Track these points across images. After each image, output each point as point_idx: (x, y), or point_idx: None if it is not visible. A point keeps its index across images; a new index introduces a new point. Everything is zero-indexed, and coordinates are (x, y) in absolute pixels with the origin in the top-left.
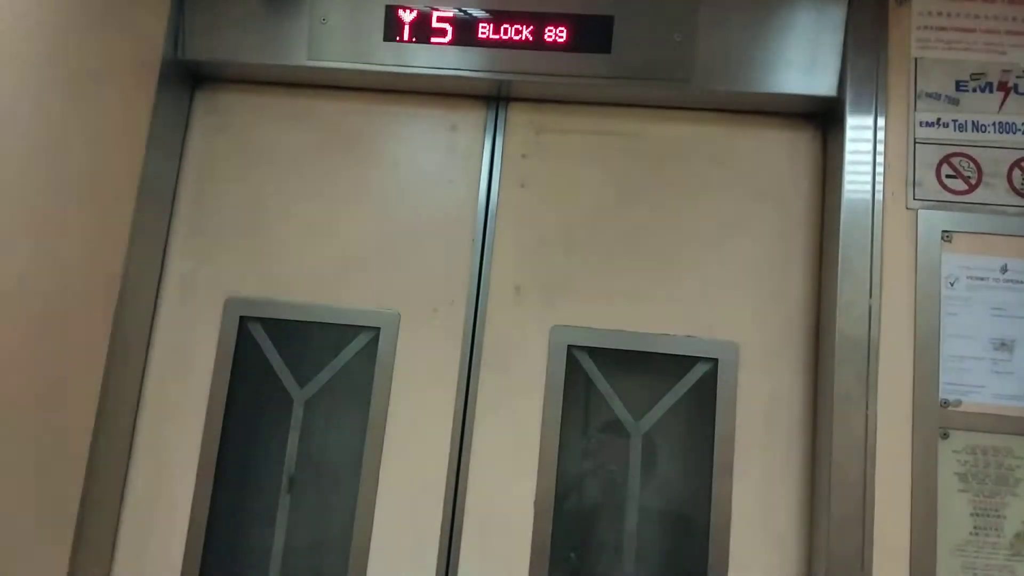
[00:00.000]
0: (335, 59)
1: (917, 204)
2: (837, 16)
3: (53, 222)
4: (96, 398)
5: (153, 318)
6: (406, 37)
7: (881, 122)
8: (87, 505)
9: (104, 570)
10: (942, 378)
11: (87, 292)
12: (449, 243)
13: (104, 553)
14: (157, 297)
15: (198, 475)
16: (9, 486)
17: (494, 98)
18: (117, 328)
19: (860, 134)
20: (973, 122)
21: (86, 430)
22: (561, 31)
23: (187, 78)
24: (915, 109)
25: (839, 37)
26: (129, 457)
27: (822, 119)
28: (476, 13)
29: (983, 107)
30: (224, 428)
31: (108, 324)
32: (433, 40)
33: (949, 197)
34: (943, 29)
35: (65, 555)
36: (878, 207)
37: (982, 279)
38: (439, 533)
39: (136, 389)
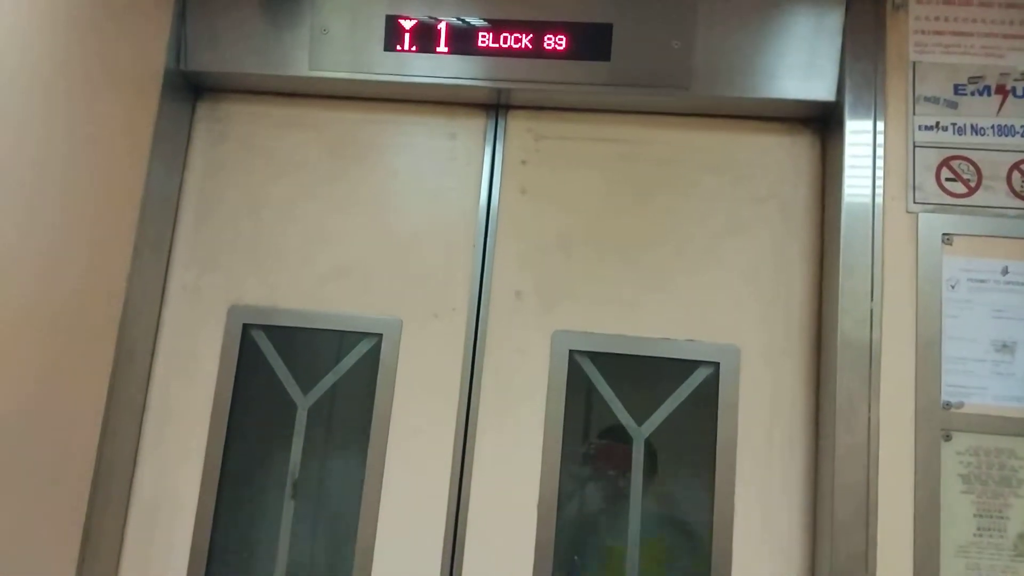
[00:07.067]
0: (336, 69)
1: (917, 207)
2: (835, 21)
3: (57, 234)
4: (102, 406)
5: (157, 327)
6: (406, 47)
7: (880, 126)
8: (94, 512)
9: (111, 574)
10: (944, 380)
11: (92, 302)
12: (450, 250)
13: (111, 559)
14: (161, 306)
15: (203, 482)
16: (17, 494)
17: (493, 106)
18: (122, 337)
19: (859, 138)
20: (972, 125)
21: (92, 438)
22: (560, 39)
23: (189, 89)
24: (914, 113)
25: (837, 42)
26: (135, 464)
27: (821, 124)
28: (475, 22)
29: (981, 110)
30: (228, 435)
31: (113, 333)
32: (433, 49)
33: (949, 200)
34: (940, 33)
35: (72, 562)
36: (878, 211)
37: (983, 281)
38: (443, 536)
39: (141, 397)
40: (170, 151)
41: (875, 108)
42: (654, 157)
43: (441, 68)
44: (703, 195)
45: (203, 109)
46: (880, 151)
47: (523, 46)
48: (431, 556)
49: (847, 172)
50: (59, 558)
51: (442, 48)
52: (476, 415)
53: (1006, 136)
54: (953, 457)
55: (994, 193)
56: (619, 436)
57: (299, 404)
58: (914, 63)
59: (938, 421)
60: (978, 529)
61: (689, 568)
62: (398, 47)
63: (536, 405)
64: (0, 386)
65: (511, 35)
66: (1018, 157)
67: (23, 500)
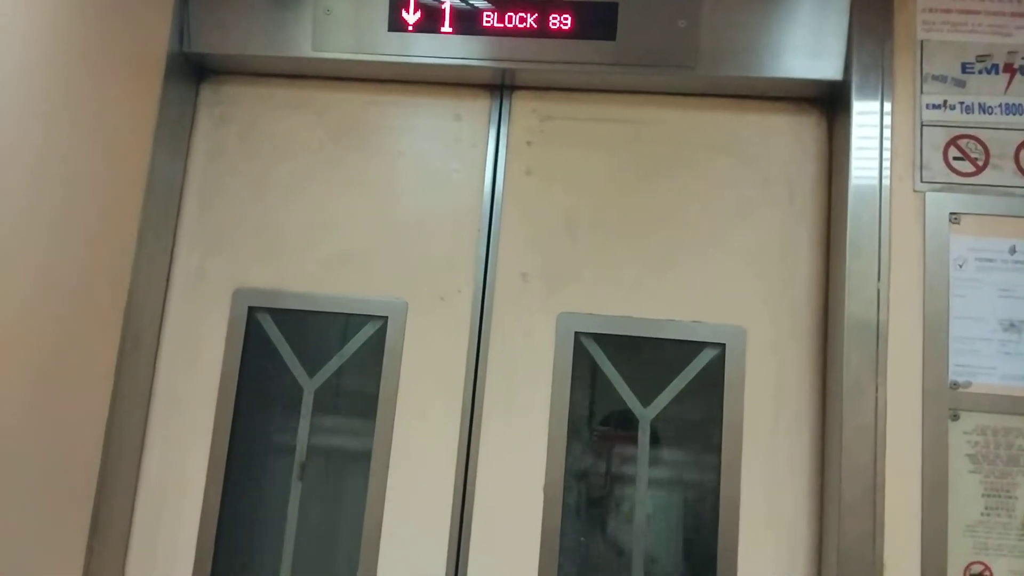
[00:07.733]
0: (340, 50)
1: (924, 187)
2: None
3: (62, 218)
4: (109, 390)
5: (163, 310)
6: (410, 27)
7: (887, 106)
8: (102, 495)
9: (119, 559)
10: (951, 360)
11: (97, 287)
12: (455, 232)
13: (119, 546)
14: (166, 289)
15: (210, 465)
16: (24, 482)
17: (498, 87)
18: (127, 322)
19: (866, 118)
20: (979, 104)
21: (99, 424)
22: (565, 18)
23: (192, 71)
24: (921, 92)
25: (844, 21)
26: (142, 448)
27: (828, 103)
28: (479, 2)
29: (989, 89)
30: (235, 418)
31: (119, 318)
32: (437, 29)
33: (956, 179)
34: (948, 11)
35: (81, 549)
36: (885, 190)
37: (990, 260)
38: (449, 519)
39: (148, 381)
40: (173, 134)
41: (882, 87)
42: (660, 137)
43: (445, 48)
44: (709, 176)
45: (206, 92)
46: (887, 131)
47: (528, 26)
48: (438, 538)
49: (854, 151)
50: (68, 545)
51: (446, 28)
52: (482, 397)
53: (1014, 115)
54: (961, 437)
55: (1002, 172)
56: (625, 418)
57: (305, 387)
58: (921, 41)
59: (946, 401)
60: (986, 509)
61: (697, 548)
62: (402, 27)
63: (542, 387)
64: (5, 374)
65: (516, 15)
66: None
67: (30, 488)
